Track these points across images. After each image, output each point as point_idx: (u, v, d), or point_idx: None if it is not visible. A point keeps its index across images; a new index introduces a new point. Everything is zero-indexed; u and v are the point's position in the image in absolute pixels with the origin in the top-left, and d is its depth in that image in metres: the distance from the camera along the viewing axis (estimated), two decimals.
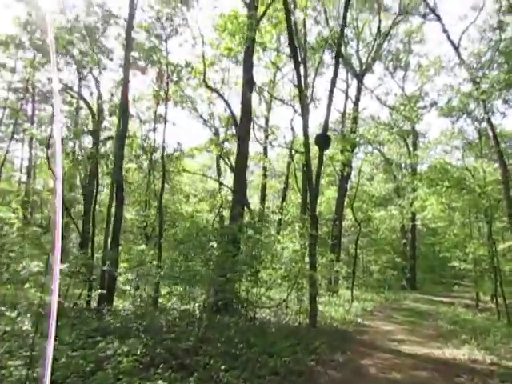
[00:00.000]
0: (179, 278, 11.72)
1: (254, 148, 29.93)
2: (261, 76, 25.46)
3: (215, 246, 10.94)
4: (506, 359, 8.34)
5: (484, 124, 23.25)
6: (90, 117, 21.39)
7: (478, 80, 11.81)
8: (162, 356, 5.84)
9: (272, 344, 7.38)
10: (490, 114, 12.33)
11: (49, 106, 25.50)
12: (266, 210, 26.39)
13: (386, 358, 7.87)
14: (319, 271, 11.74)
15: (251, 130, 26.75)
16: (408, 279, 26.91)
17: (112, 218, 10.73)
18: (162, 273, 11.65)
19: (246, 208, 24.38)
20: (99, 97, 18.73)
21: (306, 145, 10.05)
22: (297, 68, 10.42)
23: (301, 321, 11.29)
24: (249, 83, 13.46)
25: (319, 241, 26.80)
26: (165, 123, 13.00)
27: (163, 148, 12.91)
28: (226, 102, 15.52)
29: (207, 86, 15.70)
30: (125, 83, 11.65)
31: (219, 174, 19.58)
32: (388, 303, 19.19)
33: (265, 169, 27.35)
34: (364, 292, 21.67)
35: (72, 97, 23.22)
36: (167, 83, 13.07)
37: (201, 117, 17.92)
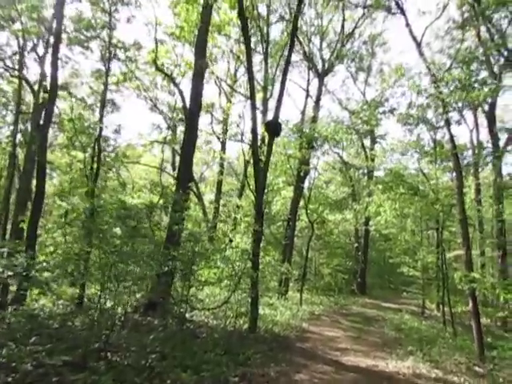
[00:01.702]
0: (106, 275, 10.37)
1: (213, 144, 28.67)
2: (221, 68, 24.34)
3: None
4: (451, 373, 7.68)
5: (439, 134, 23.34)
6: (32, 97, 19.43)
7: (438, 78, 11.29)
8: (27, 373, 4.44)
9: (193, 354, 6.24)
10: (448, 115, 11.84)
11: None
12: (221, 207, 25.23)
13: (324, 370, 6.93)
14: (264, 271, 10.70)
15: (210, 126, 25.72)
16: (358, 284, 26.57)
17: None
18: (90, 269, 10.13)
19: (199, 201, 23.26)
20: (42, 76, 16.94)
21: (254, 131, 9.03)
22: (247, 46, 9.37)
23: (240, 325, 10.24)
24: (200, 66, 12.27)
25: (273, 241, 26.18)
26: (102, 105, 11.56)
27: (100, 129, 11.47)
28: (177, 85, 14.25)
29: (157, 68, 14.34)
30: (54, 54, 10.12)
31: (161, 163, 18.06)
32: (337, 307, 18.54)
33: (221, 165, 26.19)
34: (314, 295, 20.98)
35: (12, 76, 21.05)
36: (108, 59, 11.64)
37: (151, 100, 16.46)
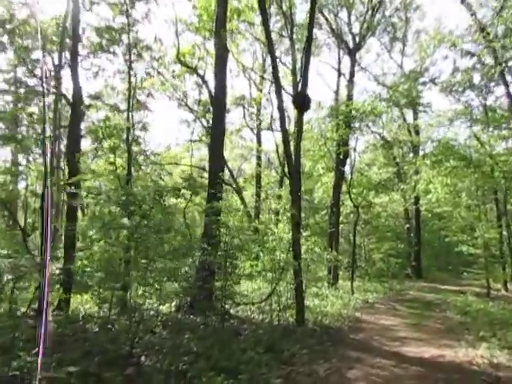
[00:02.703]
0: (151, 276, 10.00)
1: (247, 137, 28.05)
2: (248, 60, 23.54)
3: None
4: None
5: (490, 100, 21.19)
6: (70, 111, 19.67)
7: (485, 25, 9.90)
8: None
9: (232, 354, 5.55)
10: (504, 65, 10.35)
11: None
12: (262, 199, 24.55)
13: (382, 365, 6.01)
14: (306, 259, 9.87)
15: (243, 119, 25.08)
16: (413, 267, 24.95)
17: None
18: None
19: (238, 195, 22.71)
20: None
21: (281, 109, 8.20)
22: (265, 24, 8.54)
23: (286, 319, 9.48)
24: (221, 52, 11.59)
25: (318, 231, 25.13)
26: (129, 103, 11.18)
27: (128, 129, 11.10)
28: (201, 76, 13.68)
29: (181, 63, 13.85)
30: (73, 61, 9.83)
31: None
32: (392, 294, 17.30)
33: (258, 157, 25.51)
34: (366, 282, 19.77)
35: (47, 90, 21.44)
36: (130, 62, 11.26)
37: (178, 98, 15.96)
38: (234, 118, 22.75)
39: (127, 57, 12.60)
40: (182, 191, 8.51)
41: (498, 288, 19.52)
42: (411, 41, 24.34)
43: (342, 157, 18.81)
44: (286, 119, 18.56)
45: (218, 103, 11.55)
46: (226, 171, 23.10)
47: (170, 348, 5.77)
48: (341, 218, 22.38)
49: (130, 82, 11.65)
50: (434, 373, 5.68)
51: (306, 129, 21.57)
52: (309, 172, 21.61)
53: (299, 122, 8.97)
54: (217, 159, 11.05)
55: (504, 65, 10.45)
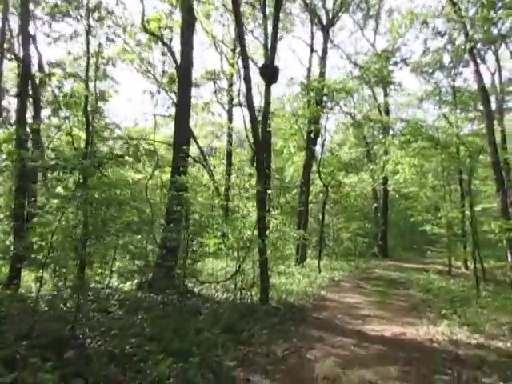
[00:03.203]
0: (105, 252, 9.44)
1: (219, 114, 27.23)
2: (220, 33, 22.57)
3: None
4: (493, 338, 6.44)
5: (458, 82, 21.25)
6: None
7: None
8: None
9: (186, 335, 5.18)
10: (472, 43, 10.17)
11: None
12: (230, 177, 24.01)
13: (343, 344, 5.81)
14: (271, 237, 9.55)
15: (214, 94, 24.24)
16: (379, 246, 25.32)
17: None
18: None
19: (208, 173, 22.13)
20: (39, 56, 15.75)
21: (247, 79, 7.66)
22: None
23: (251, 297, 9.21)
24: (187, 19, 10.84)
25: (289, 210, 24.97)
26: (86, 71, 10.30)
27: (85, 98, 10.27)
28: (166, 45, 12.82)
29: (146, 30, 12.95)
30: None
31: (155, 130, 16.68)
32: (358, 272, 17.42)
33: (229, 135, 24.83)
34: (333, 261, 19.88)
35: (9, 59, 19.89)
36: (89, 26, 10.33)
37: (144, 70, 14.95)
38: (204, 93, 21.78)
39: (85, 21, 11.61)
40: (132, 162, 7.89)
41: (458, 266, 20.10)
42: (384, 19, 23.99)
43: (312, 135, 18.50)
44: (258, 96, 17.87)
45: (183, 72, 10.89)
46: (196, 148, 22.43)
47: (121, 329, 5.35)
48: (310, 198, 22.27)
49: (88, 47, 10.74)
50: (395, 351, 5.53)
51: (277, 107, 21.18)
52: (280, 150, 21.21)
53: (267, 95, 8.48)
54: (182, 131, 10.45)
55: (473, 42, 10.24)
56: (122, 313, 7.31)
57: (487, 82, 18.52)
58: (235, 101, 24.08)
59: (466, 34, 9.75)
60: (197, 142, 21.90)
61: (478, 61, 12.67)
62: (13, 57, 16.83)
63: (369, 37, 25.52)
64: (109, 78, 15.67)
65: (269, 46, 17.35)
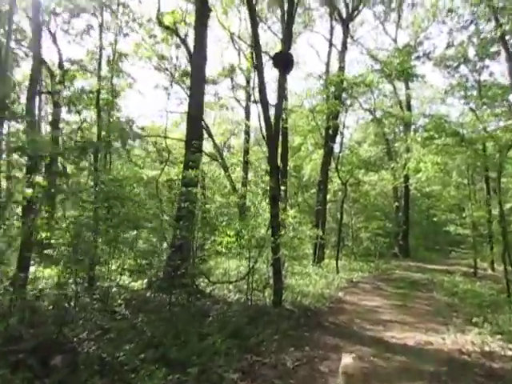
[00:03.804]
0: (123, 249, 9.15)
1: (235, 113, 26.83)
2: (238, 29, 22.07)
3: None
4: None
5: (484, 75, 20.15)
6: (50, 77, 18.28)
7: None
8: None
9: (189, 341, 4.70)
10: (504, 26, 9.35)
11: None
12: (250, 176, 23.56)
13: (361, 354, 5.20)
14: (286, 236, 9.00)
15: (231, 91, 23.82)
16: (400, 246, 24.34)
17: None
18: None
19: (224, 171, 21.71)
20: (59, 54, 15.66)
21: (259, 67, 7.11)
22: None
23: (263, 298, 8.70)
24: (201, 11, 10.40)
25: (307, 210, 24.31)
26: (99, 64, 10.00)
27: (98, 92, 9.97)
28: (182, 39, 12.42)
29: (160, 24, 12.59)
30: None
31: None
32: (378, 273, 16.65)
33: (246, 132, 24.33)
34: (352, 261, 19.11)
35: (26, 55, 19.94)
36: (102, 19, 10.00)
37: (158, 66, 14.52)
38: (221, 90, 21.35)
39: (99, 14, 11.31)
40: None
41: (484, 268, 19.03)
42: (406, 12, 23.02)
43: (331, 132, 17.83)
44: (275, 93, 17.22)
45: (196, 66, 10.46)
46: (211, 143, 22.04)
47: (120, 331, 4.92)
48: (329, 196, 21.56)
49: (101, 41, 10.44)
50: (420, 364, 4.90)
51: (295, 104, 20.57)
52: (297, 147, 20.59)
53: (281, 84, 7.91)
54: (194, 126, 10.01)
55: (504, 27, 9.40)
56: (127, 313, 6.92)
57: None
58: (253, 98, 23.61)
59: (496, 19, 8.96)
60: (213, 140, 21.50)
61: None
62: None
63: (390, 32, 24.51)
64: (124, 73, 15.45)
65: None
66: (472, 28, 17.88)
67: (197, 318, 6.30)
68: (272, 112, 7.96)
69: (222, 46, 21.74)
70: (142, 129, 17.57)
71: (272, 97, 17.29)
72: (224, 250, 10.34)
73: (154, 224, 9.00)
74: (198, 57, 10.55)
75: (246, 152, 24.09)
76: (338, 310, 8.50)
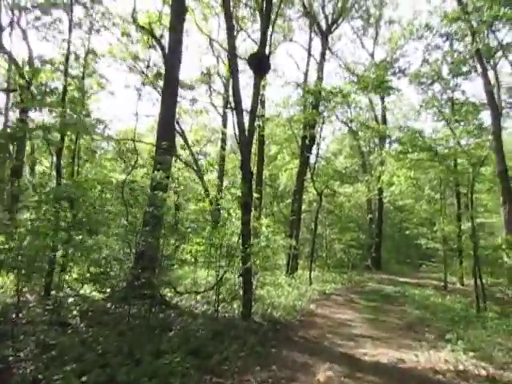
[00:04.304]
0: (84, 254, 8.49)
1: (212, 119, 26.45)
2: (218, 35, 21.78)
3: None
4: (504, 368, 5.50)
5: (456, 93, 20.54)
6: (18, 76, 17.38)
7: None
8: None
9: (141, 360, 4.18)
10: (480, 43, 9.37)
11: None
12: (223, 183, 23.07)
13: (331, 375, 4.81)
14: (258, 245, 8.60)
15: (209, 97, 23.39)
16: (373, 259, 24.34)
17: None
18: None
19: (199, 178, 21.20)
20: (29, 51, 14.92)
21: (233, 65, 6.77)
22: None
23: (232, 310, 8.24)
24: (177, 11, 10.01)
25: (283, 220, 24.01)
26: (67, 60, 9.38)
27: (64, 88, 9.36)
28: (157, 38, 11.94)
29: (136, 24, 12.11)
30: None
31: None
32: (350, 285, 16.43)
33: (223, 140, 23.95)
34: (325, 273, 18.87)
35: None
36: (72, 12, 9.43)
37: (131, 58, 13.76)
38: (199, 97, 20.83)
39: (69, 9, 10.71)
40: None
41: (454, 282, 19.15)
42: (384, 29, 23.38)
43: (307, 142, 17.66)
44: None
45: (170, 65, 10.01)
46: (187, 151, 21.53)
47: (67, 348, 4.35)
48: (304, 206, 21.34)
49: (69, 34, 9.82)
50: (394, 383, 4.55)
51: (273, 113, 20.37)
52: (273, 156, 20.33)
53: (255, 87, 7.57)
54: (164, 128, 9.53)
55: (480, 42, 9.44)
56: (82, 326, 6.32)
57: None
58: (230, 105, 23.27)
59: (472, 34, 8.96)
60: (189, 146, 20.98)
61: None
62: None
63: (368, 47, 24.89)
64: (97, 73, 14.83)
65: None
66: (447, 46, 18.27)
67: (157, 332, 5.77)
68: (248, 118, 7.60)
69: (201, 51, 21.37)
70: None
71: (249, 103, 17.07)
72: (193, 259, 9.85)
73: (117, 229, 8.41)
74: (171, 57, 10.12)
75: (222, 159, 23.68)
76: (309, 323, 8.12)
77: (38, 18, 13.83)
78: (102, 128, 15.03)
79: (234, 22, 8.28)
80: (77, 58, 10.37)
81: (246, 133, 7.13)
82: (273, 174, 24.41)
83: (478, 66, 11.03)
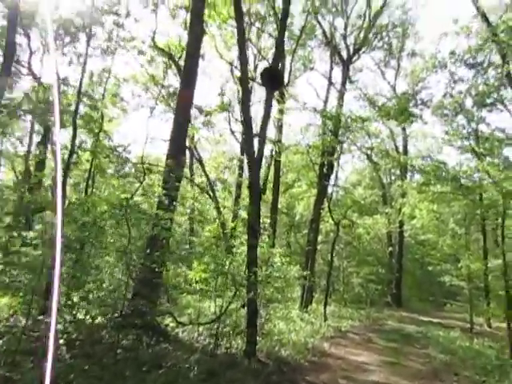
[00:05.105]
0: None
1: (231, 147, 26.29)
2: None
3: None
4: None
5: (482, 126, 19.71)
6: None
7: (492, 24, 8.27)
8: None
9: None
10: (509, 66, 8.68)
11: None
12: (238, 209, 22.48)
13: None
14: (266, 274, 7.83)
15: (228, 124, 23.21)
16: (393, 295, 22.90)
17: None
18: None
19: (214, 202, 20.70)
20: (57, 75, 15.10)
21: (244, 81, 6.33)
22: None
23: (237, 346, 7.40)
24: (196, 32, 9.80)
25: (298, 250, 23.07)
26: (82, 75, 9.24)
27: (77, 104, 9.13)
28: (176, 62, 11.75)
29: (156, 46, 12.03)
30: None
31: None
32: (368, 322, 15.21)
33: (240, 167, 23.54)
34: (342, 308, 17.66)
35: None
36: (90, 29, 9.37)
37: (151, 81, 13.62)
38: (218, 123, 20.70)
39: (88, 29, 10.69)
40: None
41: (480, 323, 17.62)
42: (406, 61, 22.99)
43: (325, 170, 17.01)
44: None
45: (185, 84, 9.69)
46: (203, 177, 21.23)
47: None
48: (321, 237, 20.42)
49: (86, 56, 9.71)
50: None
51: (291, 140, 19.94)
52: (290, 183, 19.70)
53: (268, 102, 7.07)
54: (175, 147, 9.09)
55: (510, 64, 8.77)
56: (67, 357, 5.63)
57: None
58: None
59: (503, 56, 8.31)
60: (205, 172, 20.67)
61: None
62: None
63: (389, 79, 24.41)
64: (119, 96, 14.80)
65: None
66: (470, 77, 17.63)
67: (145, 369, 5.03)
68: (258, 133, 7.06)
69: (222, 80, 21.39)
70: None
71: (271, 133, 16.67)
72: (197, 287, 9.13)
73: (115, 253, 7.85)
74: (187, 77, 9.82)
75: (239, 187, 23.20)
76: (321, 365, 7.18)
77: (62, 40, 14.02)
78: (121, 150, 14.97)
79: (246, 37, 7.95)
80: (91, 77, 10.23)
81: (256, 151, 6.56)
82: (290, 203, 23.71)
83: (509, 91, 10.27)
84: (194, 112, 19.23)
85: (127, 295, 8.20)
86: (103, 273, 8.52)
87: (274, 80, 6.94)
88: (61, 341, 6.33)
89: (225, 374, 5.18)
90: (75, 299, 8.40)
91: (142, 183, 8.50)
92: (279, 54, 7.47)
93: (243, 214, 19.70)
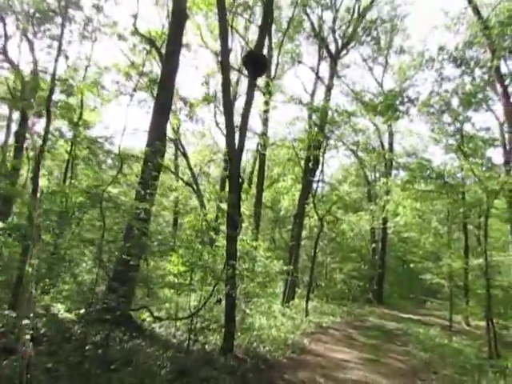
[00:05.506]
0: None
1: (217, 140, 25.89)
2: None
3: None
4: None
5: (467, 125, 19.78)
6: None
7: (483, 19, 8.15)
8: None
9: None
10: (499, 60, 8.59)
11: None
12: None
13: None
14: (244, 266, 7.58)
15: (213, 117, 22.83)
16: (374, 291, 22.92)
17: None
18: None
19: (197, 196, 20.37)
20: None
21: (226, 66, 5.99)
22: None
23: (214, 342, 7.16)
24: (178, 14, 9.43)
25: (283, 246, 22.90)
26: (56, 59, 8.76)
27: (51, 90, 8.65)
28: (158, 49, 11.32)
29: (137, 33, 11.57)
30: None
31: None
32: (350, 318, 15.12)
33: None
34: (324, 304, 17.55)
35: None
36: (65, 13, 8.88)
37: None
38: (204, 115, 20.29)
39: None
40: None
41: (459, 321, 17.76)
42: (393, 58, 22.92)
43: (311, 165, 16.80)
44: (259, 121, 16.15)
45: (166, 73, 9.32)
46: (187, 171, 20.86)
47: None
48: (305, 232, 20.26)
49: (61, 36, 9.19)
50: None
51: (276, 134, 19.70)
52: (275, 177, 19.46)
53: (250, 88, 6.77)
54: (161, 119, 8.75)
55: (502, 57, 8.65)
56: (32, 354, 5.28)
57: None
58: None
59: (493, 51, 8.19)
60: (190, 166, 20.27)
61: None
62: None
63: (377, 75, 24.31)
64: (100, 85, 14.29)
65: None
66: (457, 76, 17.62)
67: (114, 367, 4.73)
68: (240, 122, 6.77)
69: (208, 71, 20.93)
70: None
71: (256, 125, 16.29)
72: (176, 281, 8.83)
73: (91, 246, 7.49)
74: (168, 62, 9.44)
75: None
76: (300, 362, 6.98)
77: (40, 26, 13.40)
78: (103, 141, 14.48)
79: (227, 16, 7.60)
80: (67, 62, 9.74)
81: (237, 141, 6.27)
82: (275, 198, 23.50)
83: (498, 87, 10.18)
84: (178, 104, 18.87)
85: (102, 289, 7.89)
86: (77, 265, 8.17)
87: (257, 64, 6.59)
88: (27, 336, 5.99)
89: (198, 371, 4.92)
90: (47, 294, 8.08)
91: (118, 173, 8.10)
92: (263, 36, 7.16)
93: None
